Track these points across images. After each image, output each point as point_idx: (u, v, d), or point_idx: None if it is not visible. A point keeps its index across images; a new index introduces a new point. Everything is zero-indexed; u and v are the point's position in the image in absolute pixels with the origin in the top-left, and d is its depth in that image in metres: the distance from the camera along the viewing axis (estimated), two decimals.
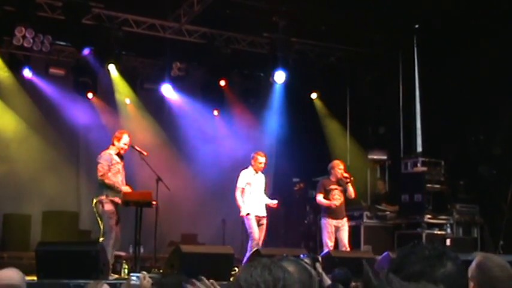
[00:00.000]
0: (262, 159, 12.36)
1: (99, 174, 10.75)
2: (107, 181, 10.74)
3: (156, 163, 11.75)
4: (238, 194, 12.19)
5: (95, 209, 10.85)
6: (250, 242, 12.02)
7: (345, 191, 12.64)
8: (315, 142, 16.79)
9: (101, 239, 10.75)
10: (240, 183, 12.24)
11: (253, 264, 2.23)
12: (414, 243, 2.61)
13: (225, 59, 16.07)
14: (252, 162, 12.36)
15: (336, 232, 12.45)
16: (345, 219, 12.63)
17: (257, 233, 11.98)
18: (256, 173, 12.37)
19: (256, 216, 12.10)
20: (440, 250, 2.54)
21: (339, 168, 12.64)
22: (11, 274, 4.47)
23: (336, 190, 12.61)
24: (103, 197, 10.68)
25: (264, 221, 12.23)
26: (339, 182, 12.66)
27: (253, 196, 12.20)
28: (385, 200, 15.30)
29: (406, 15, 14.43)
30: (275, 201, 12.38)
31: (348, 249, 12.33)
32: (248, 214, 12.08)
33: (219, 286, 2.94)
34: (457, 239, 13.77)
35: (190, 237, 16.53)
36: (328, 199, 12.48)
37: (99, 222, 10.80)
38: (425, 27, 14.97)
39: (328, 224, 12.43)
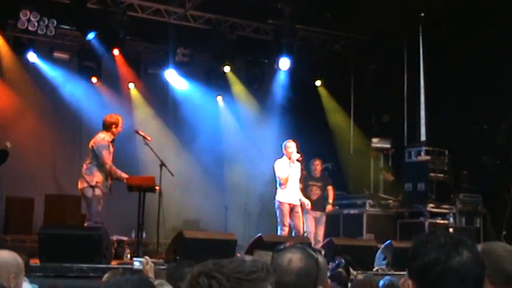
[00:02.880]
0: (291, 146, 12.27)
1: (107, 163, 10.63)
2: (113, 173, 10.69)
3: (160, 148, 11.72)
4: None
5: (81, 192, 10.76)
6: (279, 230, 12.09)
7: (322, 187, 13.27)
8: (319, 130, 16.76)
9: (85, 224, 10.73)
10: (282, 174, 12.16)
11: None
12: (431, 231, 2.59)
13: (230, 45, 16.03)
14: (284, 152, 12.30)
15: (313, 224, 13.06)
16: (323, 213, 13.22)
17: (287, 226, 12.04)
18: (291, 161, 12.26)
19: (289, 204, 12.14)
20: (456, 238, 2.51)
21: (314, 164, 13.36)
22: (2, 253, 4.47)
23: (314, 186, 13.27)
24: (93, 183, 10.65)
25: (299, 209, 12.24)
26: (318, 179, 13.36)
27: (287, 185, 12.18)
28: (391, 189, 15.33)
29: (412, 3, 14.37)
30: (308, 203, 12.48)
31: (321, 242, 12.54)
32: (280, 202, 12.15)
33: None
34: (460, 229, 13.76)
35: (192, 223, 16.55)
36: (306, 194, 12.76)
37: (86, 205, 10.77)
38: (430, 15, 14.92)
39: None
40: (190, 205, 16.24)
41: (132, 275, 2.65)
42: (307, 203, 12.39)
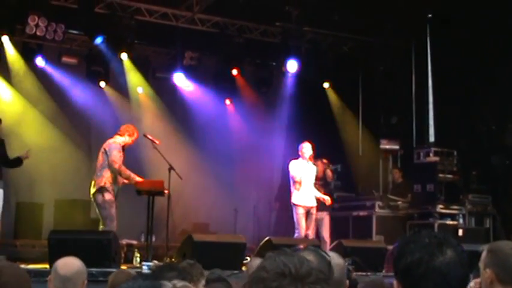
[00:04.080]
0: (307, 147, 12.34)
1: (115, 165, 10.71)
2: (123, 173, 10.74)
3: (168, 152, 11.74)
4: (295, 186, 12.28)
5: (93, 198, 10.92)
6: (296, 233, 12.10)
7: (324, 186, 13.24)
8: (327, 132, 16.74)
9: (100, 227, 10.80)
10: (296, 173, 12.21)
11: (275, 253, 2.21)
12: (415, 232, 2.60)
13: (238, 48, 16.05)
14: (299, 153, 12.36)
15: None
16: (325, 213, 13.15)
17: (303, 229, 12.06)
18: (307, 162, 12.34)
19: (304, 206, 12.15)
20: (440, 238, 2.51)
21: (316, 165, 13.10)
22: (74, 261, 4.53)
23: (315, 184, 13.10)
24: (102, 184, 10.71)
25: (314, 211, 12.27)
26: (321, 178, 13.28)
27: (301, 186, 12.21)
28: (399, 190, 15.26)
29: (419, 4, 14.36)
30: (328, 199, 12.50)
31: (327, 243, 12.57)
32: (296, 205, 12.17)
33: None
34: (470, 230, 13.73)
35: (202, 226, 16.56)
36: None
37: (98, 211, 10.88)
38: (438, 16, 14.90)
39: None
40: (199, 208, 16.26)
41: (144, 280, 2.65)
42: (327, 198, 12.48)
